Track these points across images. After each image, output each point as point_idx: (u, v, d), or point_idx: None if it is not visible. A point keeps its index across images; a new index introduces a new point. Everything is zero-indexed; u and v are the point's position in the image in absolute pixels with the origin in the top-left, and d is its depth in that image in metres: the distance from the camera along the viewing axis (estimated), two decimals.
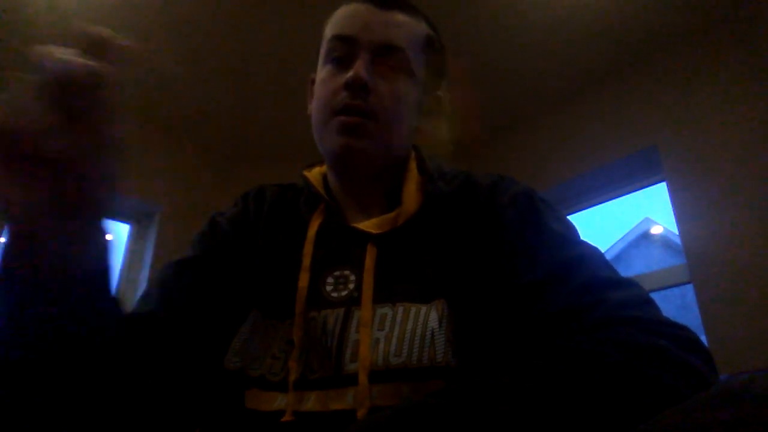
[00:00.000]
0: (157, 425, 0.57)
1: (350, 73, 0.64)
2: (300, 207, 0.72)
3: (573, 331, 0.48)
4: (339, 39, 0.68)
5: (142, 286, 2.68)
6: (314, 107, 0.70)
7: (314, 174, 0.75)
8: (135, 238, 2.81)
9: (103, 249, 0.42)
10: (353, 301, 0.60)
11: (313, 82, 0.76)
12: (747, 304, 1.80)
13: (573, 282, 0.52)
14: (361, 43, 0.67)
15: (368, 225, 0.66)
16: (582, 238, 0.61)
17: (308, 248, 0.65)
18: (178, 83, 2.50)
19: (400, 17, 0.69)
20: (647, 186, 2.44)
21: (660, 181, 2.33)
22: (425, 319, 0.57)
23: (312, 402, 0.55)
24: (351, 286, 0.62)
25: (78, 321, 0.44)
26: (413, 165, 0.73)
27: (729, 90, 2.07)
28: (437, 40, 0.74)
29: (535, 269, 0.56)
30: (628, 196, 2.54)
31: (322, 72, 0.70)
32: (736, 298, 1.84)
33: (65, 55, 0.30)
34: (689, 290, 2.05)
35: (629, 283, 0.53)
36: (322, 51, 0.72)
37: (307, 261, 0.64)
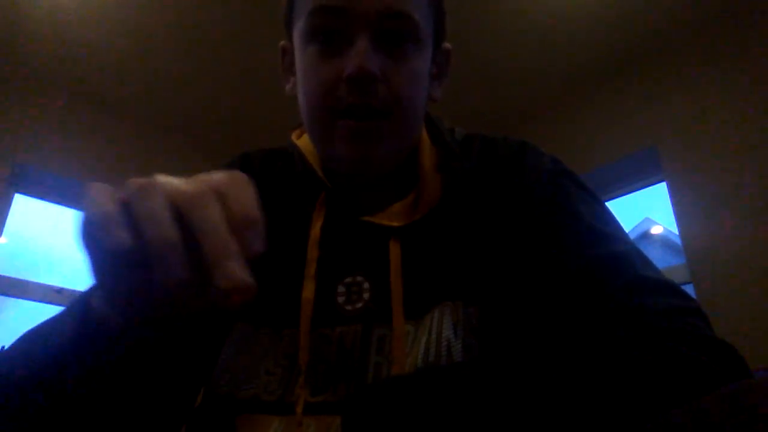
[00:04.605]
0: None
1: (352, 64, 0.51)
2: (295, 190, 0.61)
3: (613, 337, 0.43)
4: (325, 11, 0.53)
5: None
6: (303, 102, 0.57)
7: (308, 144, 0.62)
8: None
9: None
10: (371, 315, 0.53)
11: (285, 51, 0.64)
12: (747, 304, 1.80)
13: (614, 281, 0.47)
14: (357, 15, 0.52)
15: (386, 216, 0.56)
16: (613, 221, 0.55)
17: (312, 252, 0.55)
18: (179, 83, 2.50)
19: None
20: (647, 186, 2.44)
21: (660, 181, 2.32)
22: (439, 328, 0.51)
23: (312, 428, 0.48)
24: (366, 296, 0.54)
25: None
26: (424, 133, 0.63)
27: (729, 90, 2.06)
28: None
29: (566, 268, 0.50)
30: (628, 196, 2.53)
31: (305, 54, 0.56)
32: (736, 297, 1.84)
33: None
34: (689, 290, 2.04)
35: (673, 288, 0.48)
36: (300, 24, 0.56)
37: (312, 268, 0.55)
